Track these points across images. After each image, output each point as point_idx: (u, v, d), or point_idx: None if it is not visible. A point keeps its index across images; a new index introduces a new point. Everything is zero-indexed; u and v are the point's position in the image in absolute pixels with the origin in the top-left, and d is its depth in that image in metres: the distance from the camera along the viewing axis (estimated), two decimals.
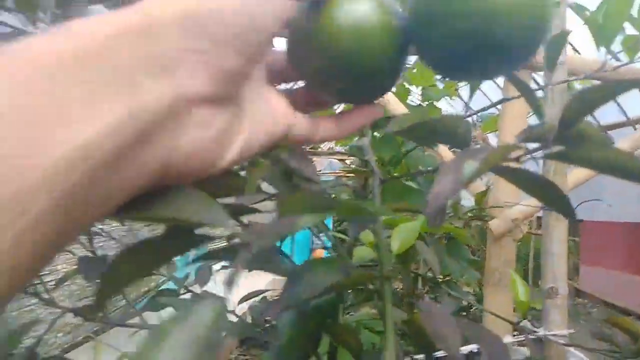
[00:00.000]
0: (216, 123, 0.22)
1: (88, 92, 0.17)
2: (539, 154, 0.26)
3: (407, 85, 1.86)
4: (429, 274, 1.07)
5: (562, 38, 0.49)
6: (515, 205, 1.18)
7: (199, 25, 0.20)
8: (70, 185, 0.16)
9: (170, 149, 0.20)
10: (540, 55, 1.14)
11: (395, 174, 0.44)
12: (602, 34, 0.51)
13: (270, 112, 0.27)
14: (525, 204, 1.16)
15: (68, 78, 0.17)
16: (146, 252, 0.21)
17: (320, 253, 2.80)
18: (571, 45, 2.14)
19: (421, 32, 0.27)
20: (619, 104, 2.42)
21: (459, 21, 0.25)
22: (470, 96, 0.62)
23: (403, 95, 1.82)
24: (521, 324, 0.84)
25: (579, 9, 0.55)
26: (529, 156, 0.28)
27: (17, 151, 0.15)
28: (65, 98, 0.16)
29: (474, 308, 1.95)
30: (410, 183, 1.00)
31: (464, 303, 2.06)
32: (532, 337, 0.94)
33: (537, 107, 0.27)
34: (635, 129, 2.00)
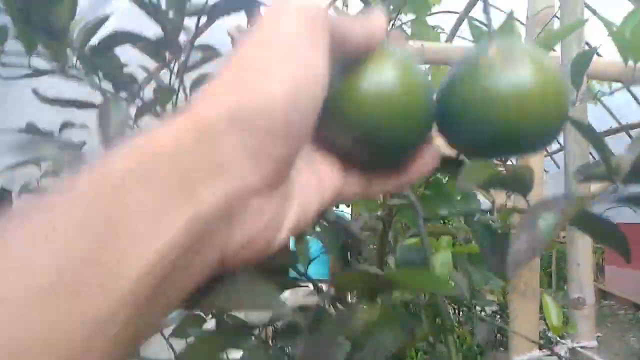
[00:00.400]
0: (268, 209, 0.22)
1: (152, 208, 0.18)
2: (611, 197, 0.25)
3: None
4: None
5: (587, 57, 0.48)
6: None
7: (248, 122, 0.20)
8: (148, 293, 0.18)
9: (227, 242, 0.21)
10: (556, 59, 1.13)
11: (436, 211, 0.43)
12: (630, 48, 0.50)
13: (317, 179, 0.26)
14: None
15: (133, 195, 0.18)
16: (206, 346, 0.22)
17: None
18: (588, 45, 2.11)
19: (446, 116, 0.28)
20: None
21: (481, 121, 0.26)
22: None
23: None
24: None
25: (607, 24, 0.54)
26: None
27: (107, 262, 0.17)
28: (133, 214, 0.18)
29: (498, 317, 1.93)
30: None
31: (488, 311, 2.04)
32: (560, 348, 0.92)
33: (599, 148, 0.26)
34: None
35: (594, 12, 1.97)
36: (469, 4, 1.93)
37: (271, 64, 0.21)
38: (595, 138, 0.25)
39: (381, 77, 0.26)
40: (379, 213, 0.60)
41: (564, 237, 1.26)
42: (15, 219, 0.18)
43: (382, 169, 0.29)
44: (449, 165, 0.31)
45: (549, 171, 2.72)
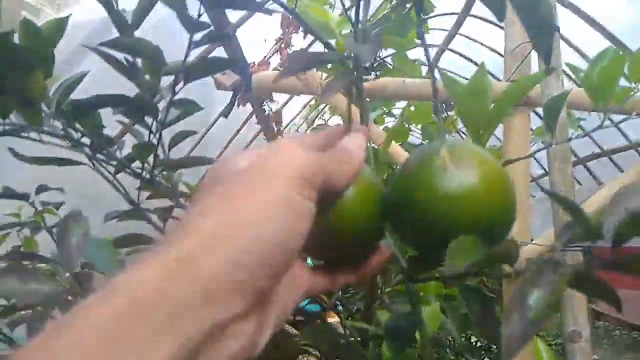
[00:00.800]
0: (248, 328, 0.23)
1: (144, 340, 0.19)
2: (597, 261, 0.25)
3: (406, 125, 1.87)
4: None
5: (560, 101, 0.49)
6: (527, 244, 1.16)
7: (237, 261, 0.22)
8: None
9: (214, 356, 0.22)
10: (536, 90, 1.15)
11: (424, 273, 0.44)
12: (598, 92, 0.51)
13: (291, 281, 0.28)
14: (538, 243, 1.15)
15: (126, 332, 0.19)
16: None
17: None
18: (565, 73, 2.16)
19: (397, 216, 0.31)
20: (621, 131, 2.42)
21: (429, 221, 0.28)
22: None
23: (403, 134, 1.83)
24: None
25: (575, 70, 0.55)
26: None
27: None
28: (126, 348, 0.19)
29: (494, 348, 1.90)
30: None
31: (484, 342, 2.01)
32: None
33: (577, 217, 0.26)
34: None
35: (570, 44, 2.03)
36: (448, 37, 1.97)
37: (263, 220, 0.23)
38: (570, 206, 0.25)
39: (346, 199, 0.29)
40: None
41: None
42: None
43: (346, 265, 0.33)
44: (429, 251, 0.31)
45: (535, 196, 2.74)
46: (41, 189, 0.55)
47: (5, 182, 0.55)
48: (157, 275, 0.21)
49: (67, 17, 0.59)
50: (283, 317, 0.27)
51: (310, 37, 1.53)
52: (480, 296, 0.32)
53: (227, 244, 0.22)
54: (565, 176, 1.11)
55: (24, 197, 0.53)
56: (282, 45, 1.38)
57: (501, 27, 1.90)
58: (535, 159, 2.49)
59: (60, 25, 0.57)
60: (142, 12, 0.52)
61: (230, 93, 1.41)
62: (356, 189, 0.30)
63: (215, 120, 1.74)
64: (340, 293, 0.62)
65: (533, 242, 1.15)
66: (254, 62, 1.38)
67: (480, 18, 2.22)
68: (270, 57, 1.58)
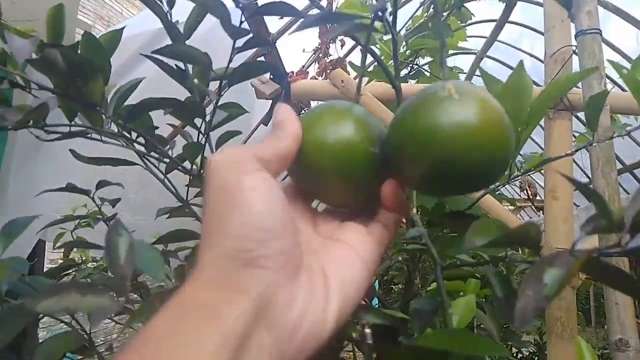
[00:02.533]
0: (298, 297, 0.26)
1: (193, 336, 0.22)
2: (614, 251, 0.25)
3: None
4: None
5: (601, 99, 0.49)
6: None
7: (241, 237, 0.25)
8: None
9: (272, 336, 0.24)
10: (578, 95, 1.13)
11: (455, 261, 0.45)
12: None
13: (348, 249, 0.30)
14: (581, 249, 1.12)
15: (176, 331, 0.22)
16: None
17: None
18: (609, 78, 2.10)
19: (394, 151, 0.30)
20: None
21: (425, 155, 0.28)
22: (513, 160, 0.62)
23: None
24: None
25: (617, 67, 0.55)
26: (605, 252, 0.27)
27: None
28: (176, 345, 0.22)
29: (536, 359, 1.85)
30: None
31: (525, 353, 1.95)
32: None
33: (601, 207, 0.26)
34: None
35: (615, 48, 1.97)
36: (487, 44, 1.96)
37: (224, 216, 0.26)
38: (592, 195, 0.25)
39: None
40: (400, 258, 0.61)
41: None
42: None
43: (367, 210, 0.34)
44: (457, 220, 0.31)
45: (579, 205, 2.65)
46: (102, 184, 0.59)
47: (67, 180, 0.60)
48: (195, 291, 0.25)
49: (121, 29, 0.63)
50: (347, 299, 0.28)
51: (347, 46, 1.56)
52: (504, 281, 0.33)
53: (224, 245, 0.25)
54: (609, 180, 1.08)
55: (85, 192, 0.58)
56: (320, 55, 1.42)
57: (540, 33, 1.87)
58: (579, 166, 2.42)
59: (116, 37, 0.62)
60: (193, 23, 0.55)
61: (270, 102, 1.45)
62: (334, 129, 0.31)
63: (256, 128, 1.78)
64: (378, 289, 0.63)
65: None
66: (292, 72, 1.41)
67: (519, 24, 2.19)
68: (308, 66, 1.62)
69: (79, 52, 0.54)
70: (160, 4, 0.52)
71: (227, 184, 0.26)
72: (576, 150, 0.57)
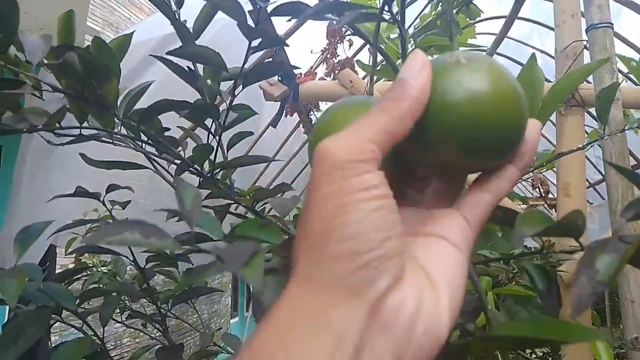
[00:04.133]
0: (407, 297, 0.24)
1: (305, 343, 0.22)
2: None
3: None
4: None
5: (611, 92, 0.48)
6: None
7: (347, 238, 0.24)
8: None
9: (388, 340, 0.23)
10: (589, 90, 1.11)
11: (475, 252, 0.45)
12: None
13: (447, 246, 0.28)
14: None
15: (286, 339, 0.22)
16: None
17: None
18: (622, 72, 2.07)
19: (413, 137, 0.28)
20: None
21: (439, 125, 0.27)
22: None
23: None
24: None
25: (626, 61, 0.54)
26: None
27: None
28: (289, 353, 0.22)
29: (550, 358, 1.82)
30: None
31: (539, 353, 1.93)
32: None
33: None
34: None
35: (627, 42, 1.94)
36: (496, 40, 1.94)
37: (335, 219, 0.24)
38: (631, 175, 0.25)
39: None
40: None
41: None
42: None
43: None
44: (502, 215, 0.31)
45: (592, 203, 2.62)
46: (111, 187, 0.60)
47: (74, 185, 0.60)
48: (303, 300, 0.24)
49: (131, 34, 0.64)
50: (457, 295, 0.26)
51: (355, 47, 1.56)
52: (544, 272, 0.33)
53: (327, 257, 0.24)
54: (624, 178, 1.06)
55: (95, 196, 0.58)
56: (328, 56, 1.41)
57: (550, 28, 1.86)
58: (592, 163, 2.39)
59: (125, 42, 0.62)
60: (203, 22, 0.55)
61: (278, 104, 1.45)
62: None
63: (265, 130, 1.78)
64: None
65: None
66: (300, 73, 1.41)
67: (529, 20, 2.17)
68: (316, 67, 1.61)
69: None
70: (169, 3, 0.52)
71: (342, 186, 0.24)
72: (587, 144, 0.56)
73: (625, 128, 0.60)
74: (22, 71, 0.45)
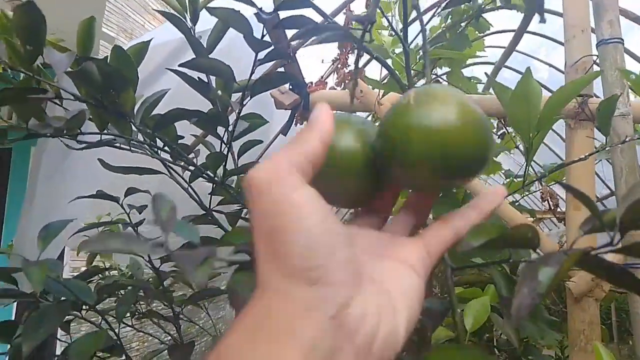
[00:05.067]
0: (369, 309, 0.25)
1: (273, 349, 0.22)
2: (607, 249, 0.26)
3: None
4: (504, 337, 1.02)
5: (611, 103, 0.49)
6: None
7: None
8: None
9: (351, 348, 0.24)
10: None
11: (462, 259, 0.46)
12: None
13: (406, 269, 0.30)
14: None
15: (254, 346, 0.22)
16: None
17: None
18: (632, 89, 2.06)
19: (381, 154, 0.33)
20: None
21: (408, 154, 0.31)
22: (527, 165, 0.62)
23: None
24: None
25: (626, 74, 0.55)
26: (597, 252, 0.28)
27: None
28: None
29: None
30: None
31: None
32: None
33: (591, 208, 0.27)
34: None
35: (637, 58, 1.94)
36: (505, 54, 1.95)
37: (279, 238, 0.25)
38: (583, 198, 0.26)
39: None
40: None
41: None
42: None
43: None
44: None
45: None
46: (130, 191, 0.61)
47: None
48: (265, 310, 0.24)
49: (148, 42, 0.65)
50: (415, 311, 0.28)
51: (366, 57, 1.57)
52: (511, 283, 0.34)
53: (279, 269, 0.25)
54: None
55: (115, 199, 0.60)
56: (339, 65, 1.43)
57: (559, 42, 1.86)
58: (600, 178, 2.38)
59: (143, 49, 0.64)
60: (216, 38, 0.57)
61: (289, 112, 1.46)
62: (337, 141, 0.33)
63: (275, 138, 1.80)
64: None
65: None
66: (311, 82, 1.43)
67: (538, 34, 2.18)
68: (327, 76, 1.63)
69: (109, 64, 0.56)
70: (184, 20, 0.54)
71: (277, 204, 0.25)
72: (590, 154, 0.57)
73: (627, 139, 0.61)
74: (45, 80, 0.47)
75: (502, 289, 0.34)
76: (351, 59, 1.42)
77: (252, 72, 0.55)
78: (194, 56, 0.56)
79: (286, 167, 0.26)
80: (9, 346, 0.53)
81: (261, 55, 0.54)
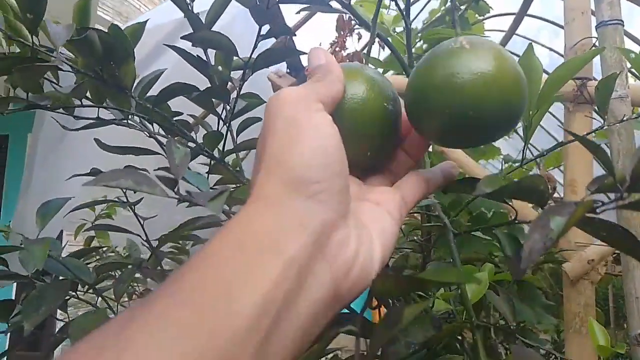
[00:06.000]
0: (350, 238, 0.27)
1: (255, 261, 0.23)
2: (613, 205, 0.27)
3: None
4: (502, 321, 1.03)
5: (610, 82, 0.49)
6: (589, 245, 1.12)
7: (302, 183, 0.26)
8: (266, 325, 0.22)
9: (329, 270, 0.26)
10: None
11: (466, 226, 0.46)
12: None
13: (383, 212, 0.32)
14: (600, 244, 1.11)
15: (237, 255, 0.23)
16: None
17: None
18: (632, 72, 2.06)
19: (414, 103, 0.32)
20: None
21: (442, 105, 0.30)
22: (525, 143, 0.61)
23: None
24: None
25: (625, 52, 0.55)
26: (604, 207, 0.28)
27: (223, 300, 0.21)
28: (239, 268, 0.23)
29: (553, 357, 1.82)
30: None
31: (542, 352, 1.93)
32: None
33: (606, 163, 0.28)
34: None
35: (637, 41, 1.93)
36: (505, 37, 1.94)
37: (292, 146, 0.27)
38: (600, 153, 0.27)
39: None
40: (415, 238, 0.61)
41: (619, 271, 1.20)
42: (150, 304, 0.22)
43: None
44: (463, 184, 0.34)
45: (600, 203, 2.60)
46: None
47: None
48: (253, 219, 0.25)
49: (144, 23, 0.65)
50: (387, 247, 0.30)
51: (364, 40, 1.56)
52: (514, 240, 0.35)
53: (281, 179, 0.26)
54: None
55: None
56: (337, 49, 1.42)
57: (560, 26, 1.85)
58: (599, 162, 2.38)
59: (139, 30, 0.63)
60: (216, 14, 0.56)
61: None
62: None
63: None
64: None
65: (595, 243, 1.11)
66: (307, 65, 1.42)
67: (538, 17, 2.16)
68: None
69: None
70: None
71: (297, 116, 0.27)
72: (588, 134, 0.57)
73: (625, 118, 0.61)
74: (44, 50, 0.46)
75: (506, 249, 0.34)
76: (349, 41, 1.41)
77: (255, 46, 0.55)
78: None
79: (313, 95, 0.29)
80: (7, 325, 0.53)
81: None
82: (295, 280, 0.23)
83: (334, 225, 0.26)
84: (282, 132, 0.27)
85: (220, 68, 0.52)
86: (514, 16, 1.83)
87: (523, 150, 0.61)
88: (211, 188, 0.64)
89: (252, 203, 0.26)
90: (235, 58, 0.56)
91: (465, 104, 0.29)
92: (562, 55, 1.31)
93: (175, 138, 0.55)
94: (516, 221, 0.42)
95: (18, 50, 0.48)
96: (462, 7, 1.64)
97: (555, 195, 2.06)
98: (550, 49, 2.25)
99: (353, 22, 1.39)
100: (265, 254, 0.23)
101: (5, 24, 0.44)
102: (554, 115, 2.13)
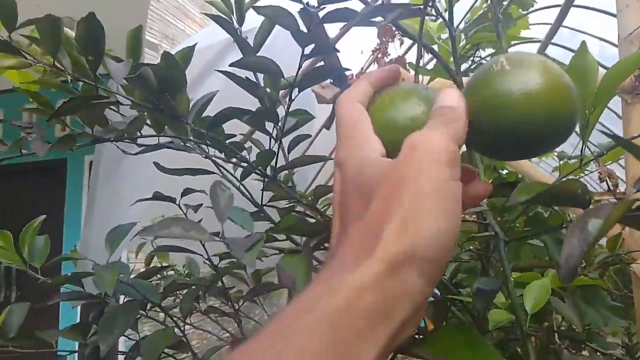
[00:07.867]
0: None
1: (362, 336, 0.23)
2: None
3: None
4: (564, 326, 0.99)
5: None
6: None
7: (423, 257, 0.25)
8: None
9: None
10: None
11: (517, 230, 0.45)
12: None
13: None
14: None
15: (336, 332, 0.23)
16: None
17: None
18: None
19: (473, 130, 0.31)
20: None
21: (491, 122, 0.30)
22: (584, 143, 0.59)
23: None
24: None
25: None
26: None
27: None
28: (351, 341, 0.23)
29: None
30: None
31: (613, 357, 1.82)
32: None
33: None
34: None
35: None
36: (552, 30, 1.87)
37: (428, 210, 0.26)
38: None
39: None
40: (471, 247, 0.60)
41: None
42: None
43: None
44: (503, 189, 0.33)
45: None
46: (187, 192, 0.64)
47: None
48: (366, 281, 0.25)
49: (193, 46, 0.67)
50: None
51: (406, 45, 1.55)
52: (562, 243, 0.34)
53: (404, 245, 0.25)
54: None
55: (172, 199, 0.62)
56: (379, 55, 1.42)
57: (609, 14, 1.77)
58: None
59: (189, 53, 0.66)
60: (262, 37, 0.58)
61: (330, 106, 1.47)
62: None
63: (319, 132, 1.81)
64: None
65: None
66: (352, 74, 1.43)
67: (586, 7, 2.07)
68: (367, 67, 1.62)
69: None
70: (231, 21, 0.55)
71: (439, 186, 0.26)
72: None
73: None
74: (105, 88, 0.49)
75: (555, 255, 0.34)
76: (391, 47, 1.41)
77: (300, 67, 0.56)
78: (238, 57, 0.57)
79: (453, 148, 0.28)
80: (77, 345, 0.57)
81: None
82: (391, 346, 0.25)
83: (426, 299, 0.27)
84: (427, 200, 0.25)
85: (268, 90, 0.54)
86: (559, 8, 1.77)
87: (581, 151, 0.59)
88: (265, 205, 0.67)
89: (375, 265, 0.25)
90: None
91: (512, 125, 0.29)
92: (614, 45, 1.25)
93: (233, 160, 0.57)
94: (564, 225, 0.41)
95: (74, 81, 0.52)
96: (505, 3, 1.60)
97: (618, 190, 1.95)
98: (600, 38, 2.15)
99: (394, 28, 1.39)
100: (379, 323, 0.24)
101: (72, 64, 0.47)
102: (610, 109, 2.03)
